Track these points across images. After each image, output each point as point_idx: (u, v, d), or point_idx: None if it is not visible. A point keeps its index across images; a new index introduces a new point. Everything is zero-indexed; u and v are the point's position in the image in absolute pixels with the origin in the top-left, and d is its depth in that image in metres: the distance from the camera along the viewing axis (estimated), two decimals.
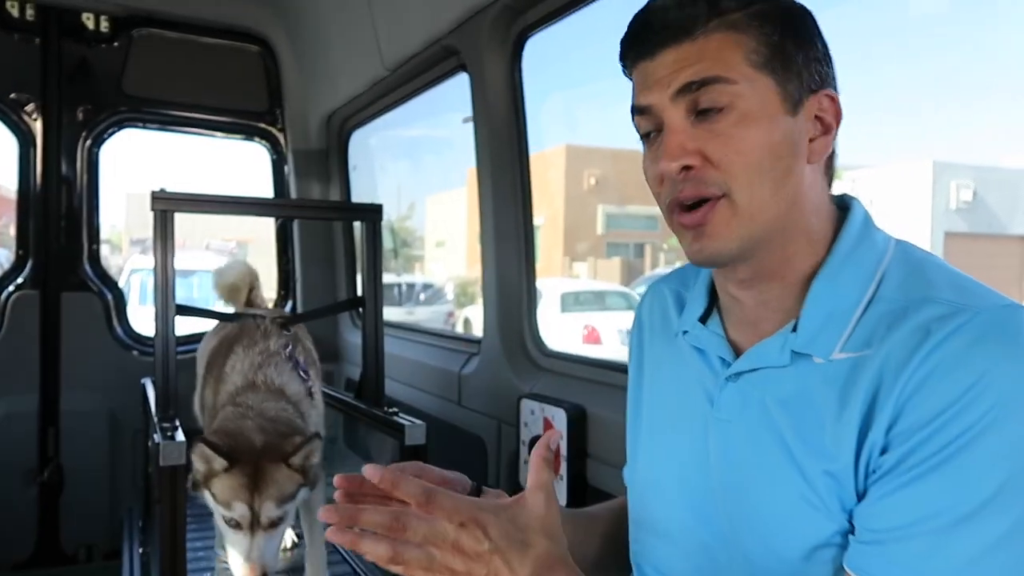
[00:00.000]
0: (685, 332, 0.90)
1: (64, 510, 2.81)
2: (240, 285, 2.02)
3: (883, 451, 0.69)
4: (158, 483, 1.34)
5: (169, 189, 1.53)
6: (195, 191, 1.58)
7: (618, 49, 0.83)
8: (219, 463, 1.31)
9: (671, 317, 0.95)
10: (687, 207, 0.77)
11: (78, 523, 2.82)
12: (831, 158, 0.81)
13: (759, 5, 0.77)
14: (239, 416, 1.47)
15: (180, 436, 1.39)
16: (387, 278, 11.42)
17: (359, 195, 3.17)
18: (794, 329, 0.77)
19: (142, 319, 3.08)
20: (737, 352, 0.84)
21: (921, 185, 12.09)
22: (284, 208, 1.62)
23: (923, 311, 0.70)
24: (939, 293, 0.71)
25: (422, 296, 11.17)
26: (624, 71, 0.84)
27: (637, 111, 0.80)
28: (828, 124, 0.79)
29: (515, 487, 1.85)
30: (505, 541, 0.69)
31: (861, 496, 0.71)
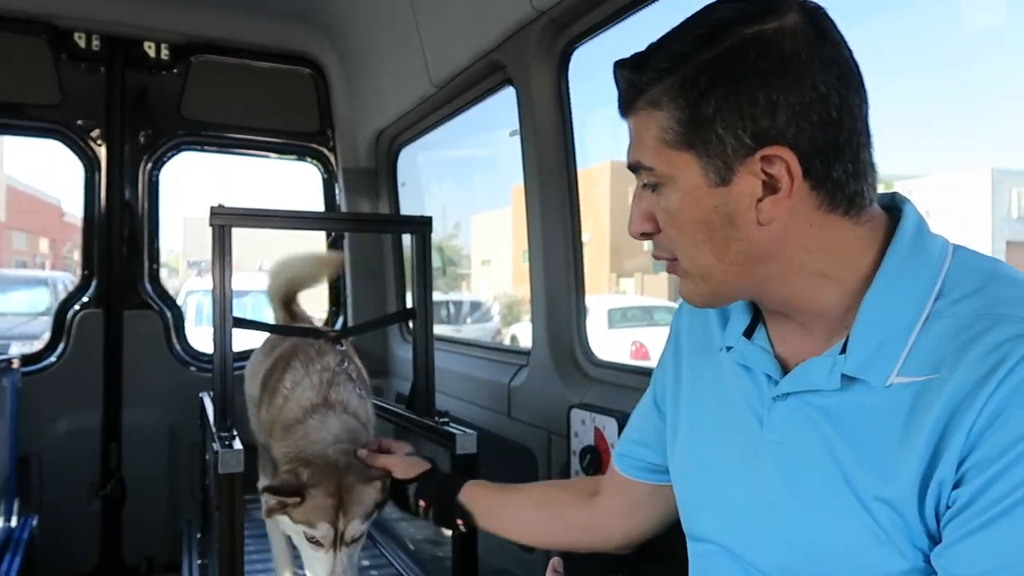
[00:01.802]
0: (729, 348, 0.87)
1: (126, 523, 2.88)
2: (298, 280, 2.02)
3: (956, 485, 0.64)
4: (216, 491, 1.37)
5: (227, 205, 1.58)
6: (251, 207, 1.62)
7: None
8: (291, 500, 1.33)
9: (712, 329, 0.92)
10: None
11: (139, 536, 2.89)
12: (841, 190, 0.72)
13: (681, 72, 0.72)
14: (317, 434, 1.48)
15: (238, 445, 1.42)
16: (435, 296, 11.52)
17: (407, 212, 3.21)
18: (843, 350, 0.73)
19: (198, 338, 3.16)
20: (785, 368, 0.80)
21: (980, 193, 11.73)
22: (337, 222, 1.66)
23: (996, 331, 0.65)
24: (1012, 309, 0.66)
25: (469, 314, 11.24)
26: None
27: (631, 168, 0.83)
28: (778, 184, 0.71)
29: None
30: None
31: (934, 534, 0.67)
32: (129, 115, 2.86)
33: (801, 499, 0.75)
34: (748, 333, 0.86)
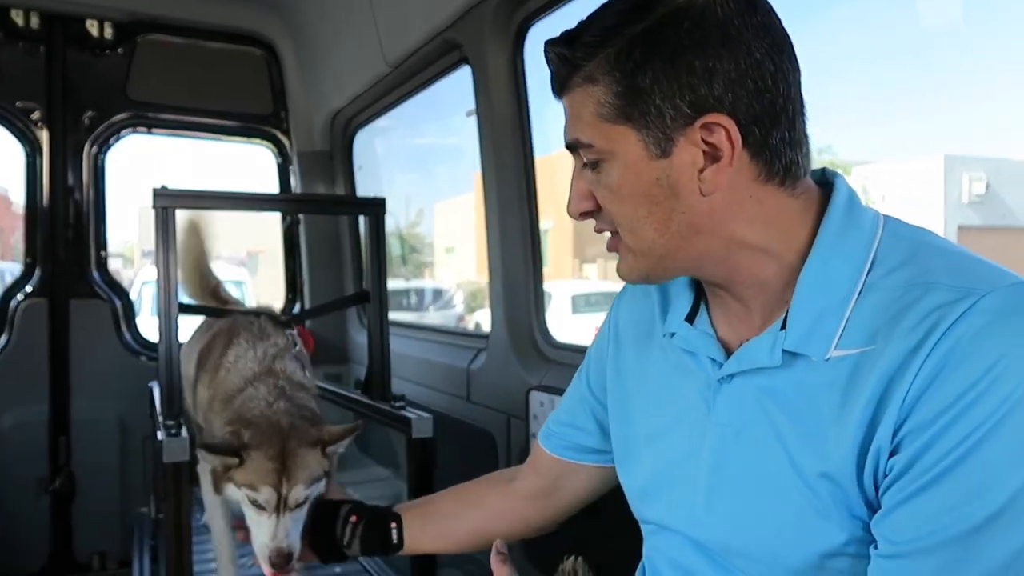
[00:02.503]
0: (672, 334, 0.86)
1: (76, 518, 2.80)
2: (191, 253, 1.90)
3: (892, 453, 0.64)
4: (162, 480, 1.32)
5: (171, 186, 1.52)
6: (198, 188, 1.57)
7: None
8: (231, 460, 1.29)
9: (654, 317, 0.91)
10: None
11: (90, 531, 2.81)
12: (779, 159, 0.72)
13: (615, 44, 0.71)
14: (258, 399, 1.42)
15: (184, 433, 1.38)
16: (397, 284, 11.45)
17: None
18: (783, 326, 0.73)
19: (154, 328, 3.06)
20: (728, 349, 0.80)
21: (933, 179, 12.00)
22: (287, 203, 1.60)
23: (926, 299, 0.65)
24: (940, 277, 0.67)
25: (433, 301, 11.18)
26: None
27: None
28: (719, 153, 0.71)
29: None
30: None
31: (872, 503, 0.67)
32: (71, 96, 2.75)
33: (748, 480, 0.75)
34: (690, 318, 0.85)
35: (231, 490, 1.31)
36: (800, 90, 0.74)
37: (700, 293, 0.86)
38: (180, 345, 1.50)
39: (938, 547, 0.61)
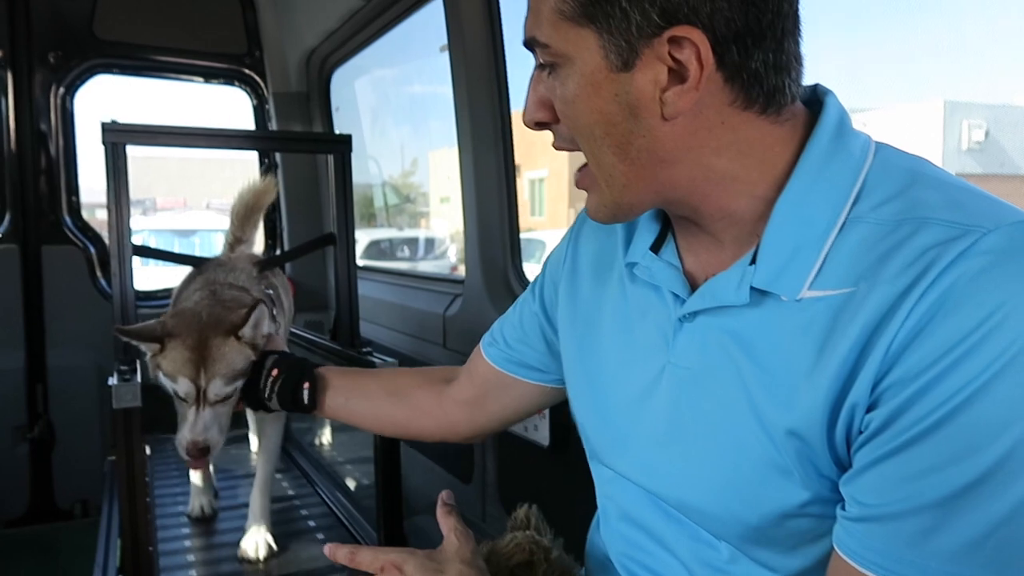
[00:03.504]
0: (635, 265, 0.78)
1: (56, 466, 2.79)
2: (242, 214, 1.88)
3: (870, 408, 0.57)
4: (112, 426, 1.28)
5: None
6: (153, 123, 1.49)
7: None
8: (151, 346, 1.25)
9: (617, 246, 0.83)
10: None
11: (71, 479, 2.80)
12: (759, 85, 0.63)
13: None
14: (191, 301, 1.42)
15: (137, 378, 1.33)
16: (391, 233, 11.31)
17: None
18: (753, 261, 0.65)
19: (143, 278, 3.00)
20: (694, 285, 0.72)
21: (932, 126, 11.83)
22: (246, 140, 1.52)
23: (919, 237, 0.57)
24: (936, 212, 0.58)
25: (426, 250, 11.09)
26: None
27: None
28: (685, 72, 0.62)
29: None
30: (420, 573, 0.76)
31: (843, 462, 0.60)
32: (36, 36, 2.65)
33: (705, 428, 0.69)
34: (655, 248, 0.78)
35: (163, 380, 1.28)
36: (796, 5, 0.64)
37: (668, 222, 0.78)
38: (134, 287, 1.44)
39: (912, 512, 0.55)
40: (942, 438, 0.53)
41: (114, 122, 1.43)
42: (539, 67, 0.70)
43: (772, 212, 0.65)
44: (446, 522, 0.82)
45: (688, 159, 0.66)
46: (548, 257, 0.98)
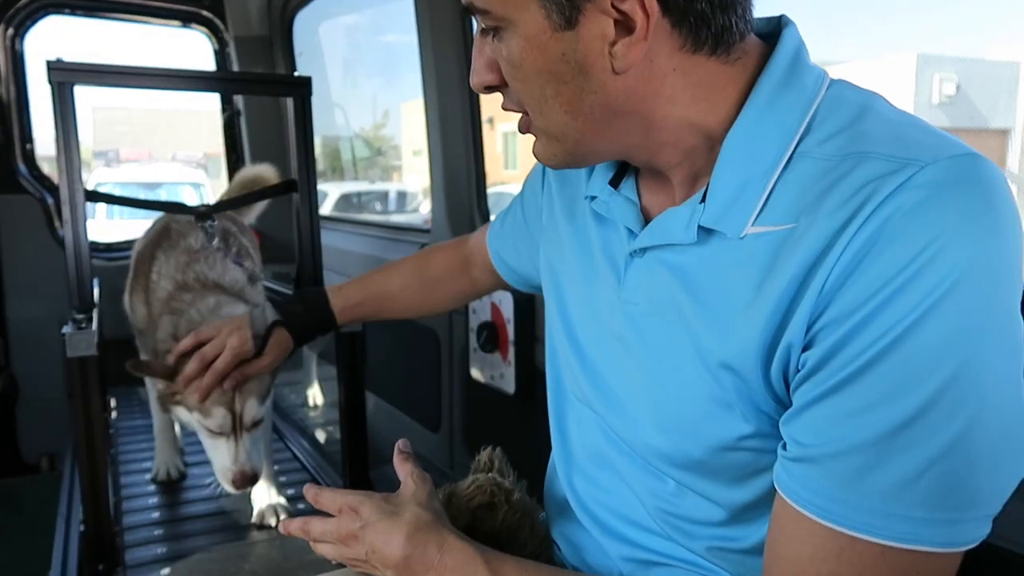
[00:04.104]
0: (593, 198, 0.78)
1: (21, 421, 2.75)
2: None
3: (805, 348, 0.56)
4: (67, 376, 1.25)
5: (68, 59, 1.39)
6: (103, 62, 1.43)
7: None
8: (167, 383, 1.23)
9: (581, 175, 0.83)
10: None
11: (37, 433, 2.76)
12: (706, 26, 0.61)
13: None
14: (189, 316, 1.38)
15: (93, 327, 1.30)
16: (362, 186, 11.16)
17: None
18: (703, 200, 0.64)
19: (112, 232, 2.91)
20: (649, 220, 0.72)
21: (904, 79, 11.84)
22: (199, 81, 1.46)
23: (859, 170, 0.55)
24: (878, 146, 0.56)
25: (397, 204, 10.98)
26: None
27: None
28: (632, 24, 0.60)
29: (466, 375, 1.80)
30: (375, 515, 0.75)
31: (783, 400, 0.60)
32: None
33: (653, 363, 0.69)
34: (615, 183, 0.77)
35: (181, 413, 1.27)
36: None
37: None
38: (87, 234, 1.40)
39: (848, 452, 0.54)
40: (876, 376, 0.53)
41: (59, 60, 1.37)
42: (482, 32, 0.68)
43: (721, 150, 0.63)
44: (403, 468, 0.82)
45: (642, 109, 0.65)
46: (528, 175, 1.00)
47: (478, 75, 0.69)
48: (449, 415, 1.97)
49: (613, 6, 0.60)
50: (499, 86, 0.69)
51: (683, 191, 0.69)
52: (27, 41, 2.71)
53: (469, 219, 1.91)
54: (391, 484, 0.83)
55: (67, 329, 1.28)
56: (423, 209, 12.19)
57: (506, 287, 1.16)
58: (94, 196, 1.44)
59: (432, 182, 1.97)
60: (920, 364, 0.52)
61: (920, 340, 0.52)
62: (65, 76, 1.37)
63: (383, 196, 10.96)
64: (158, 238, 1.60)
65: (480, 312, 1.69)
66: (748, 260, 0.61)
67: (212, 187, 10.02)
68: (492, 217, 1.94)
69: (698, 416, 0.65)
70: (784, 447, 0.60)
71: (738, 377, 0.61)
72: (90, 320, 1.34)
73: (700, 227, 0.64)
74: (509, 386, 1.62)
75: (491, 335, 1.65)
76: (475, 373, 1.74)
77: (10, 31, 2.63)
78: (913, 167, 0.54)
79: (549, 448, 0.97)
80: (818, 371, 0.56)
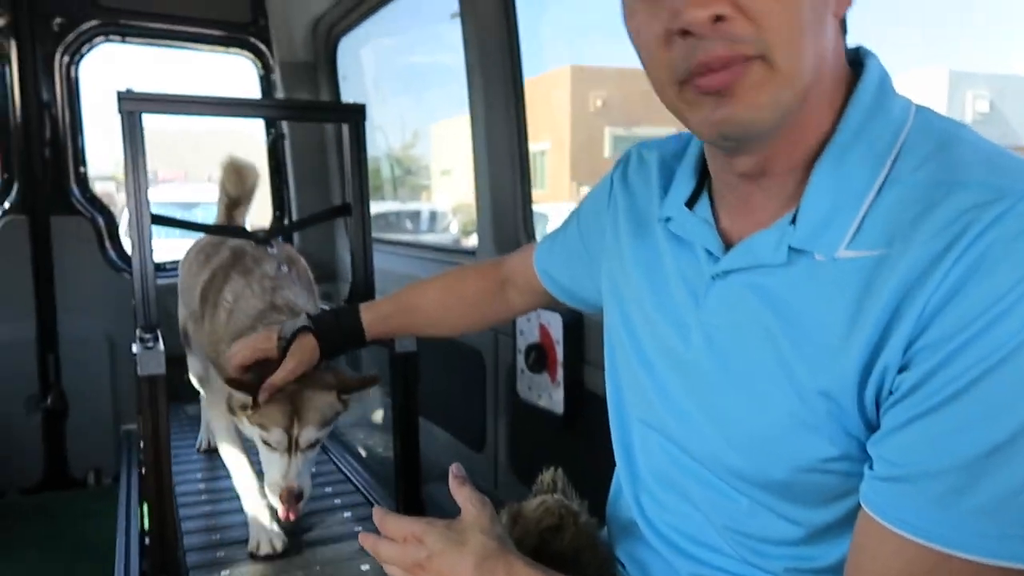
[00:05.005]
0: (668, 219, 0.79)
1: (70, 435, 2.82)
2: (249, 175, 1.93)
3: (902, 369, 0.58)
4: (138, 394, 1.29)
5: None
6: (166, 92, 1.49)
7: None
8: (247, 399, 1.28)
9: (652, 197, 0.84)
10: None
11: (84, 447, 2.83)
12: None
13: None
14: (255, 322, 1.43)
15: (160, 346, 1.34)
16: (392, 206, 11.27)
17: None
18: (793, 221, 0.65)
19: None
20: (728, 243, 0.73)
21: (937, 95, 11.73)
22: (260, 108, 1.52)
23: (955, 199, 0.57)
24: (973, 175, 0.58)
25: (428, 224, 11.08)
26: None
27: None
28: None
29: (513, 396, 1.82)
30: (441, 544, 0.76)
31: (872, 423, 0.61)
32: (38, 3, 2.62)
33: (734, 384, 0.70)
34: (691, 203, 0.78)
35: (244, 425, 1.32)
36: None
37: (704, 177, 0.78)
38: (153, 257, 1.45)
39: (943, 472, 0.55)
40: (973, 399, 0.54)
41: (129, 91, 1.43)
42: None
43: (813, 171, 0.65)
44: (460, 493, 0.81)
45: (825, 72, 0.65)
46: (589, 194, 1.00)
47: (706, 2, 0.59)
48: (494, 435, 1.99)
49: None
50: (725, 17, 0.59)
51: (766, 211, 0.70)
52: (81, 67, 2.80)
53: (515, 241, 1.94)
54: (436, 503, 0.84)
55: (136, 348, 1.32)
56: (452, 228, 12.29)
57: (547, 306, 1.17)
58: (160, 220, 1.49)
59: (478, 205, 2.01)
60: (1017, 389, 0.53)
61: (1017, 366, 0.53)
62: (134, 105, 1.43)
63: (415, 215, 11.07)
64: (230, 263, 1.63)
65: (528, 333, 1.71)
66: (841, 284, 0.62)
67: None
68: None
69: (781, 437, 0.66)
70: (871, 466, 0.60)
71: (834, 403, 0.62)
72: (156, 339, 1.39)
73: (790, 248, 0.65)
74: (557, 407, 1.64)
75: (539, 356, 1.66)
76: (522, 393, 1.76)
77: (65, 58, 2.73)
78: (1012, 198, 0.56)
79: (600, 469, 0.98)
80: (914, 392, 0.57)
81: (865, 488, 0.61)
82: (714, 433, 0.72)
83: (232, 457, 1.57)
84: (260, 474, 1.44)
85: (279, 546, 1.47)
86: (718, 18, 0.59)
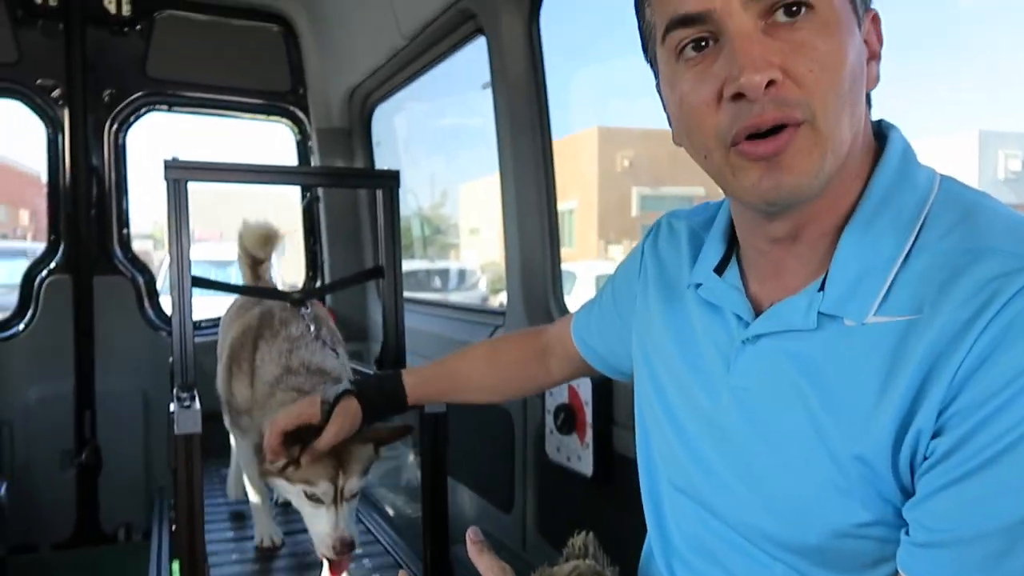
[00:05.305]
0: (698, 285, 0.81)
1: (103, 490, 2.85)
2: (269, 238, 1.98)
3: (935, 435, 0.58)
4: (174, 452, 1.32)
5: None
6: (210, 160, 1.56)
7: None
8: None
9: (682, 264, 0.86)
10: (757, 135, 0.64)
11: (116, 503, 2.85)
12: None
13: None
14: (289, 401, 1.47)
15: (196, 405, 1.38)
16: (421, 264, 11.42)
17: None
18: (821, 287, 0.67)
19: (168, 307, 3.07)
20: (758, 309, 0.74)
21: (968, 156, 11.70)
22: (299, 176, 1.59)
23: (982, 266, 0.59)
24: (999, 243, 0.60)
25: (457, 282, 11.18)
26: None
27: (686, 20, 0.65)
28: (875, 49, 0.68)
29: (542, 457, 1.82)
30: None
31: (907, 487, 0.61)
32: (91, 74, 2.76)
33: (766, 448, 0.71)
34: (720, 269, 0.80)
35: (283, 484, 1.36)
36: None
37: (733, 244, 0.80)
38: (196, 323, 1.50)
39: (980, 538, 0.56)
40: (1009, 464, 0.55)
41: (175, 159, 1.50)
42: (767, 14, 0.63)
43: (841, 238, 0.67)
44: (481, 561, 0.82)
45: (859, 141, 0.68)
46: (622, 263, 1.03)
47: (761, 68, 0.61)
48: (523, 496, 1.98)
49: (871, 29, 0.67)
50: (775, 82, 0.62)
51: (795, 278, 0.72)
52: (128, 134, 2.93)
53: (544, 302, 1.96)
54: (466, 563, 0.84)
55: (173, 407, 1.36)
56: (481, 285, 12.39)
57: (586, 375, 1.19)
58: (200, 282, 1.54)
59: (507, 264, 2.04)
60: None
61: None
62: (180, 173, 1.49)
63: (444, 273, 11.18)
64: (257, 328, 1.68)
65: (557, 394, 1.72)
66: (872, 349, 0.63)
67: (279, 264, 10.35)
68: (566, 297, 2.00)
69: (815, 501, 0.66)
70: (907, 532, 0.61)
71: (868, 468, 0.63)
72: (193, 398, 1.42)
73: (820, 314, 0.67)
74: (586, 468, 1.63)
75: (568, 417, 1.67)
76: (551, 455, 1.76)
77: (114, 126, 2.86)
78: None
79: (630, 533, 0.98)
80: (949, 457, 0.58)
81: (902, 554, 0.61)
82: (748, 497, 0.73)
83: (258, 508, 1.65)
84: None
85: (278, 541, 1.72)
86: (770, 83, 0.62)
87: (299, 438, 1.25)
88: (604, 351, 1.09)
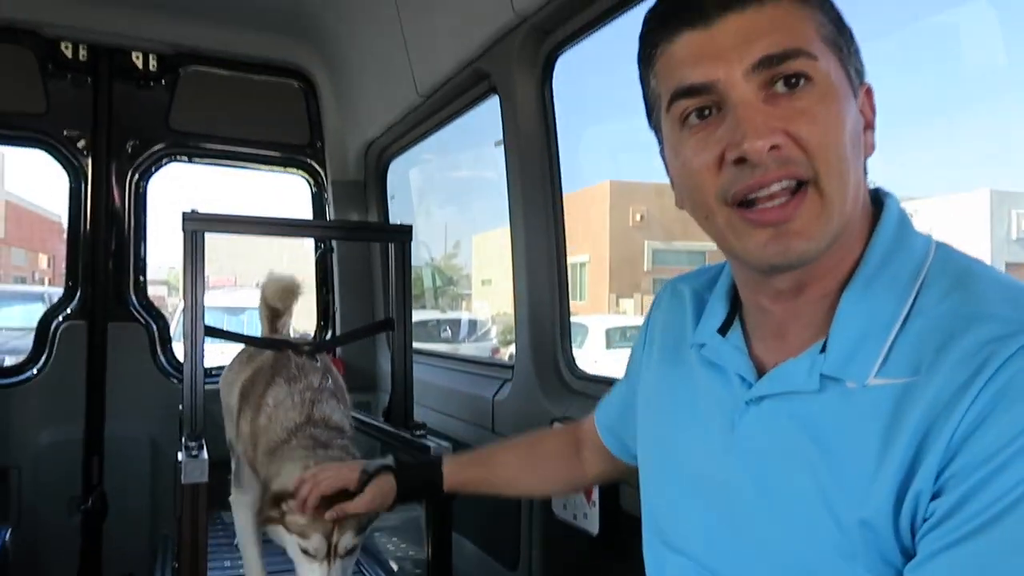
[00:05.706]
0: (702, 346, 0.82)
1: (107, 538, 2.83)
2: (291, 291, 1.99)
3: (934, 496, 0.59)
4: (180, 500, 1.33)
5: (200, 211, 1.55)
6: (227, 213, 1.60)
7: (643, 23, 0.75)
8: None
9: (686, 326, 0.87)
10: (754, 200, 0.67)
11: (119, 551, 2.83)
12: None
13: None
14: (308, 454, 1.46)
15: (204, 455, 1.38)
16: (433, 315, 11.46)
17: None
18: (823, 349, 0.69)
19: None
20: (760, 370, 0.75)
21: (979, 215, 11.71)
22: (314, 229, 1.62)
23: (977, 330, 0.60)
24: (994, 308, 0.62)
25: (468, 333, 11.19)
26: (647, 49, 0.74)
27: (691, 90, 0.69)
28: (869, 119, 0.71)
29: (548, 514, 1.80)
30: None
31: (908, 549, 0.62)
32: (116, 126, 2.84)
33: (770, 509, 0.71)
34: (723, 331, 0.81)
35: (279, 532, 1.35)
36: None
37: (736, 306, 0.82)
38: (204, 367, 1.51)
39: None
40: (1007, 526, 0.55)
41: (194, 211, 1.54)
42: (766, 85, 0.67)
43: (840, 302, 0.69)
44: None
45: (858, 206, 0.71)
46: (633, 346, 1.04)
47: (764, 134, 0.65)
48: (528, 553, 1.96)
49: (865, 100, 0.71)
50: (779, 147, 0.66)
51: (797, 340, 0.73)
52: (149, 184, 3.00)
53: (552, 355, 1.97)
54: None
55: (181, 456, 1.36)
56: (491, 335, 12.40)
57: (618, 475, 1.19)
58: (213, 332, 1.56)
59: (517, 316, 2.05)
60: None
61: None
62: (197, 225, 1.53)
63: (455, 323, 11.19)
64: (274, 368, 1.67)
65: None
66: (872, 411, 0.64)
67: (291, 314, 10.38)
68: (573, 350, 2.01)
69: (819, 566, 0.66)
70: None
71: (872, 531, 0.63)
72: (201, 447, 1.43)
73: (822, 375, 0.68)
74: (593, 527, 1.62)
75: None
76: (557, 512, 1.75)
77: (136, 176, 2.92)
78: None
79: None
80: (948, 519, 0.58)
81: None
82: (750, 558, 0.73)
83: (250, 554, 1.60)
84: None
85: None
86: (773, 146, 0.65)
87: (330, 499, 1.26)
88: (624, 434, 1.08)
